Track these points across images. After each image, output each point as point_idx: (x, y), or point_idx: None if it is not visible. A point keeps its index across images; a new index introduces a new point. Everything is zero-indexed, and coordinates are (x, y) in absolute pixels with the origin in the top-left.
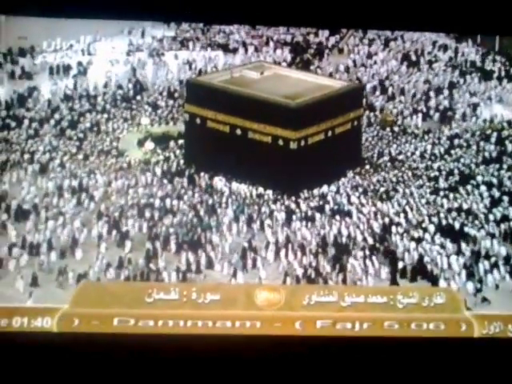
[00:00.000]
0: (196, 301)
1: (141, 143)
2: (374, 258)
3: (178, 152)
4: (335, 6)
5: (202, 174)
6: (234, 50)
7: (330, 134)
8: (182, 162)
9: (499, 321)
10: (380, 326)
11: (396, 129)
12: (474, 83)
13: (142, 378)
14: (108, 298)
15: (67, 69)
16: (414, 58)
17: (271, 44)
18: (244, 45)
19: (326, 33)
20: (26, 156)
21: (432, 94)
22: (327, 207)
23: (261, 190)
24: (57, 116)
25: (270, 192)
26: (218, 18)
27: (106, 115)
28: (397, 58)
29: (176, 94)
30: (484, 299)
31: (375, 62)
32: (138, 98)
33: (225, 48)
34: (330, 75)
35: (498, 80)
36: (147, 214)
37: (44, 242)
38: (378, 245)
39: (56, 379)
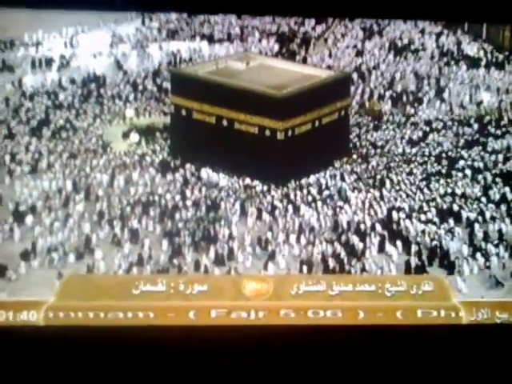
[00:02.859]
0: (184, 292)
1: (125, 135)
2: (388, 243)
3: (163, 144)
4: None
5: (188, 165)
6: (220, 41)
7: (317, 124)
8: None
9: (486, 307)
10: (369, 313)
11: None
12: (462, 71)
13: (129, 370)
14: (94, 290)
15: (50, 62)
16: (401, 46)
17: (257, 34)
18: (229, 35)
19: (312, 22)
20: (7, 157)
21: (418, 81)
22: (327, 193)
23: (248, 180)
24: (29, 114)
25: (257, 183)
26: (203, 9)
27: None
28: (384, 47)
29: (167, 85)
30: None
31: (362, 51)
32: (122, 90)
33: (210, 39)
34: (316, 65)
35: (486, 68)
36: (155, 212)
37: (59, 245)
38: (389, 230)
39: (43, 372)
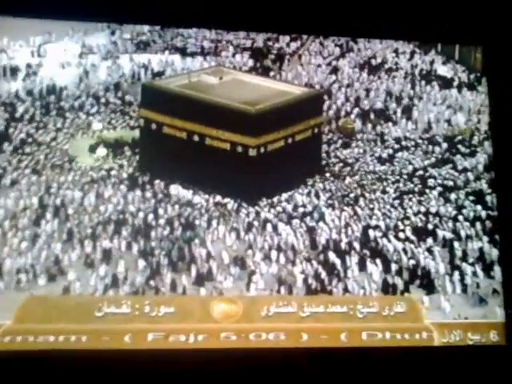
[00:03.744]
0: (149, 314)
1: (92, 149)
2: (367, 262)
3: (132, 158)
4: (296, 11)
5: (157, 181)
6: (192, 54)
7: (290, 141)
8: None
9: (459, 329)
10: (337, 336)
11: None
12: (435, 91)
13: None
14: (55, 312)
15: (15, 71)
16: (374, 65)
17: (231, 49)
18: (202, 49)
19: (287, 38)
20: None
21: (390, 100)
22: (302, 211)
23: (218, 198)
24: None
25: (228, 200)
26: (176, 21)
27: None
28: (357, 66)
29: (130, 99)
30: (494, 290)
31: (336, 69)
32: (85, 104)
33: (182, 52)
34: (291, 81)
35: (458, 88)
36: (127, 231)
37: (28, 266)
38: (368, 249)
39: None
